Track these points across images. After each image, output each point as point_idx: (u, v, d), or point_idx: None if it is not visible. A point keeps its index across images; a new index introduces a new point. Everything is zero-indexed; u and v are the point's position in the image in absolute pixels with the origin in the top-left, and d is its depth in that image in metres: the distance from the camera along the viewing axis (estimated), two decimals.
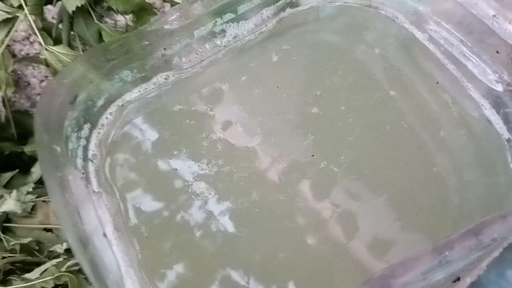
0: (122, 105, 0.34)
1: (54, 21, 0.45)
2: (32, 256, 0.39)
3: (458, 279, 0.27)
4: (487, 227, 0.22)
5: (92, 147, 0.32)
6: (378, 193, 0.32)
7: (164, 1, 0.48)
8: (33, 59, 0.49)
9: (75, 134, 0.31)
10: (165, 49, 0.34)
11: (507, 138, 0.34)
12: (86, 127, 0.32)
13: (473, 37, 0.33)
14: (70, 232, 0.23)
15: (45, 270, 0.38)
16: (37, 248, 0.40)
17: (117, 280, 0.25)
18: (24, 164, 0.44)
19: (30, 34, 0.50)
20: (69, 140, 0.30)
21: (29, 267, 0.38)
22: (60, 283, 0.38)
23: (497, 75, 0.33)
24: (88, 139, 0.32)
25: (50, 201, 0.40)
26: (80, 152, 0.31)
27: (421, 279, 0.21)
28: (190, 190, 0.32)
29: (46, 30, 0.45)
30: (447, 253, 0.21)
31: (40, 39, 0.42)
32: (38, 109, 0.27)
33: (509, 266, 0.49)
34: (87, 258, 0.23)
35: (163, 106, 0.35)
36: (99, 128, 0.33)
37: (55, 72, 0.43)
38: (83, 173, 0.30)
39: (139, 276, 0.28)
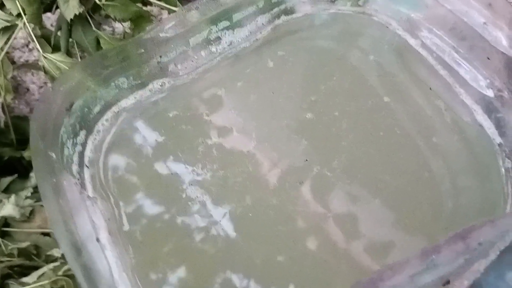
0: (118, 112, 0.35)
1: (53, 29, 0.46)
2: (30, 260, 0.39)
3: (448, 282, 0.27)
4: (475, 232, 0.22)
5: (87, 153, 0.33)
6: (371, 197, 0.32)
7: (162, 8, 0.49)
8: (32, 66, 0.50)
9: (71, 140, 0.31)
10: (161, 56, 0.35)
11: (498, 142, 0.34)
12: (82, 133, 0.33)
13: (464, 44, 0.34)
14: (63, 237, 0.24)
15: (42, 274, 0.38)
16: (35, 252, 0.40)
17: (110, 285, 0.25)
18: (23, 169, 0.45)
19: (29, 41, 0.50)
20: (65, 146, 0.30)
21: (27, 271, 0.39)
22: (57, 287, 0.38)
23: (488, 81, 0.33)
24: (83, 145, 0.33)
25: None
26: (75, 158, 0.31)
27: (408, 282, 0.21)
28: (185, 195, 0.32)
29: (45, 37, 0.46)
30: (434, 257, 0.22)
31: (38, 47, 0.42)
32: (34, 116, 0.28)
33: (508, 268, 0.49)
34: (79, 264, 0.23)
35: (159, 112, 0.35)
36: (95, 134, 0.33)
37: (53, 79, 0.43)
38: (78, 179, 0.30)
39: (133, 282, 0.28)
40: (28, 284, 0.38)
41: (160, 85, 0.36)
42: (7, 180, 0.41)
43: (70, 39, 0.45)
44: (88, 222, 0.27)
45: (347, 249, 0.31)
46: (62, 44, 0.45)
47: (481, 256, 0.26)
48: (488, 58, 0.32)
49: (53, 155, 0.28)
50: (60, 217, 0.25)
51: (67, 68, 0.40)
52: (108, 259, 0.28)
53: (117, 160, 0.34)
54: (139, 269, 0.29)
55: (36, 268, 0.39)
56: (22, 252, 0.39)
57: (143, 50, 0.33)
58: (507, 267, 0.48)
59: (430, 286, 0.26)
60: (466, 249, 0.22)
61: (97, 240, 0.26)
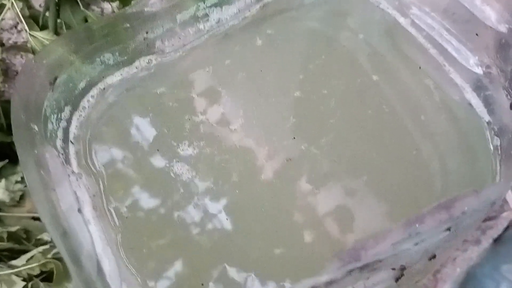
0: (104, 88, 0.34)
1: (42, 9, 0.45)
2: (19, 244, 0.39)
3: (434, 256, 0.27)
4: (459, 201, 0.22)
5: (73, 129, 0.32)
6: (358, 174, 0.32)
7: None
8: (21, 48, 0.49)
9: (55, 115, 0.31)
10: (147, 32, 0.34)
11: (487, 120, 0.34)
12: (67, 109, 0.32)
13: (453, 21, 0.33)
14: (43, 206, 0.23)
15: (31, 257, 0.38)
16: (24, 236, 0.40)
17: (91, 255, 0.25)
18: (13, 154, 0.44)
19: (17, 23, 0.50)
20: (48, 120, 0.30)
21: (16, 255, 0.38)
22: (46, 269, 0.38)
23: (476, 57, 0.33)
24: (68, 121, 0.32)
25: None
26: (60, 133, 0.31)
27: (390, 250, 0.21)
28: (171, 171, 0.32)
29: (33, 18, 0.45)
30: (417, 225, 0.22)
31: (25, 26, 0.42)
32: (15, 88, 0.27)
33: (503, 260, 0.49)
34: (59, 233, 0.23)
35: (146, 89, 0.35)
36: (81, 111, 0.33)
37: None
38: (62, 154, 0.30)
39: (117, 255, 0.28)
40: (17, 267, 0.38)
41: (147, 62, 0.35)
42: None
43: (59, 20, 0.45)
44: (70, 194, 0.27)
45: (321, 222, 0.31)
46: (50, 24, 0.45)
47: (466, 229, 0.26)
48: (477, 35, 0.32)
49: (35, 127, 0.28)
50: (41, 186, 0.24)
51: None
52: (91, 233, 0.27)
53: (103, 137, 0.33)
54: (124, 244, 0.29)
55: (26, 252, 0.39)
56: (12, 236, 0.39)
57: (128, 25, 0.32)
58: (502, 259, 0.48)
59: (416, 260, 0.26)
60: (450, 218, 0.22)
61: (79, 211, 0.26)
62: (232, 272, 0.30)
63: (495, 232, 0.52)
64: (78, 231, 0.25)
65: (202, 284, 0.29)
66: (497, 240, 0.51)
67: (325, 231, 0.31)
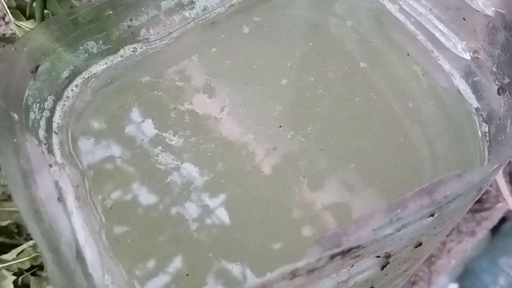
0: (88, 78, 0.34)
1: (28, 0, 0.45)
2: (10, 239, 0.39)
3: (420, 244, 0.26)
4: (442, 186, 0.22)
5: (56, 119, 0.32)
6: (345, 162, 0.32)
7: None
8: (9, 40, 0.49)
9: (38, 104, 0.31)
10: (131, 20, 0.34)
11: (475, 107, 0.33)
12: (50, 98, 0.32)
13: (440, 5, 0.33)
14: (20, 194, 0.23)
15: (22, 251, 0.38)
16: (16, 230, 0.40)
17: (70, 243, 0.25)
18: None
19: (5, 14, 0.49)
20: (31, 110, 0.30)
21: (7, 249, 0.38)
22: (37, 263, 0.38)
23: (464, 43, 0.32)
24: (52, 110, 0.32)
25: None
26: (42, 123, 0.31)
27: (371, 235, 0.21)
28: (156, 162, 0.32)
29: (20, 9, 0.45)
30: (399, 211, 0.21)
31: (11, 17, 0.41)
32: None
33: (501, 254, 0.49)
34: (36, 220, 0.23)
35: (131, 78, 0.35)
36: (64, 101, 0.33)
37: None
38: (45, 144, 0.30)
39: (100, 246, 0.28)
40: (7, 261, 0.37)
41: (132, 51, 0.35)
42: None
43: (46, 10, 0.45)
44: (50, 183, 0.26)
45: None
46: (37, 15, 0.44)
47: (451, 215, 0.25)
48: (464, 19, 0.31)
49: (16, 116, 0.27)
50: (19, 174, 0.24)
51: None
52: (73, 223, 0.27)
53: (88, 127, 0.33)
54: (108, 234, 0.29)
55: (17, 246, 0.39)
56: (3, 231, 0.39)
57: (111, 12, 0.32)
58: (499, 253, 0.48)
59: (403, 247, 0.26)
60: (432, 203, 0.22)
61: (58, 200, 0.26)
62: (230, 267, 0.29)
63: (490, 223, 0.52)
64: (58, 220, 0.25)
65: (187, 275, 0.29)
66: (494, 233, 0.51)
67: (321, 223, 0.30)
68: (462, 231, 0.51)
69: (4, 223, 0.39)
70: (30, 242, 0.39)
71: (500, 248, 0.51)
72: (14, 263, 0.37)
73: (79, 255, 0.25)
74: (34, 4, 0.44)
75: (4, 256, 0.38)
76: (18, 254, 0.38)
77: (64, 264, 0.23)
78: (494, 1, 0.29)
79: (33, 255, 0.38)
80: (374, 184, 0.31)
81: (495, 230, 0.52)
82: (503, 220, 0.52)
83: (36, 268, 0.38)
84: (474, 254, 0.51)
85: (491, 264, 0.50)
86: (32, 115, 0.30)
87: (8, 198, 0.41)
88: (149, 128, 0.33)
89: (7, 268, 0.37)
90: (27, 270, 0.37)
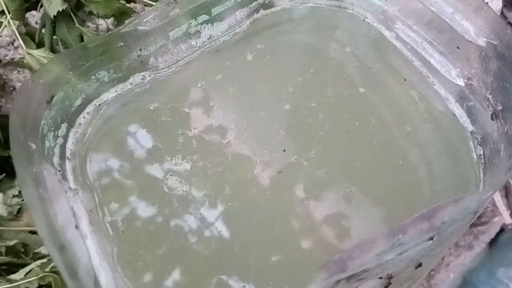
0: (100, 105, 0.35)
1: (38, 26, 0.46)
2: (17, 258, 0.40)
3: (420, 265, 0.28)
4: (440, 211, 0.23)
5: (69, 145, 0.33)
6: (347, 184, 0.33)
7: (145, 5, 0.50)
8: (18, 64, 0.50)
9: (52, 133, 0.32)
10: (140, 50, 0.35)
11: (470, 130, 0.35)
12: (64, 126, 0.33)
13: (435, 34, 0.35)
14: (41, 222, 0.24)
15: (29, 271, 0.38)
16: (22, 250, 0.40)
17: (88, 269, 0.26)
18: (11, 168, 0.45)
19: (14, 40, 0.51)
20: (46, 138, 0.31)
21: (15, 269, 0.39)
22: (45, 283, 0.38)
23: (458, 70, 0.34)
24: (65, 137, 0.33)
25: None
26: (57, 150, 0.32)
27: (375, 260, 0.22)
28: (164, 185, 0.33)
29: (30, 35, 0.46)
30: (400, 236, 0.23)
31: (21, 43, 0.43)
32: (13, 107, 0.28)
33: (499, 265, 0.49)
34: (57, 248, 0.24)
35: (140, 105, 0.36)
36: (77, 128, 0.34)
37: None
38: (59, 171, 0.31)
39: (113, 269, 0.29)
40: (16, 281, 0.38)
41: (141, 79, 0.36)
42: None
43: (55, 36, 0.46)
44: (68, 210, 0.27)
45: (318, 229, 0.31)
46: (47, 41, 0.46)
47: (449, 237, 0.27)
48: (458, 48, 0.33)
49: (33, 145, 0.28)
50: (39, 203, 0.25)
51: None
52: (87, 246, 0.28)
53: (99, 153, 0.34)
54: (121, 258, 0.30)
55: (24, 265, 0.39)
56: (10, 250, 0.39)
57: (122, 43, 0.33)
58: (497, 264, 0.49)
59: (402, 269, 0.27)
60: (431, 228, 0.23)
61: (76, 227, 0.27)
62: (230, 281, 0.30)
63: (487, 237, 0.53)
64: (76, 246, 0.26)
65: None
66: (491, 245, 0.52)
67: (321, 238, 0.31)
68: (460, 245, 0.52)
69: (11, 243, 0.40)
70: (38, 262, 0.39)
71: (498, 259, 0.51)
72: (22, 283, 0.38)
73: (97, 282, 0.26)
74: (43, 30, 0.46)
75: (12, 276, 0.38)
76: (26, 273, 0.38)
77: None
78: (486, 32, 0.30)
79: (41, 275, 0.38)
80: (375, 205, 0.33)
81: (492, 242, 0.52)
82: (500, 231, 0.53)
83: None
84: (473, 266, 0.51)
85: (490, 276, 0.50)
86: (47, 143, 0.31)
87: (15, 217, 0.42)
88: (158, 153, 0.34)
89: None
90: None
